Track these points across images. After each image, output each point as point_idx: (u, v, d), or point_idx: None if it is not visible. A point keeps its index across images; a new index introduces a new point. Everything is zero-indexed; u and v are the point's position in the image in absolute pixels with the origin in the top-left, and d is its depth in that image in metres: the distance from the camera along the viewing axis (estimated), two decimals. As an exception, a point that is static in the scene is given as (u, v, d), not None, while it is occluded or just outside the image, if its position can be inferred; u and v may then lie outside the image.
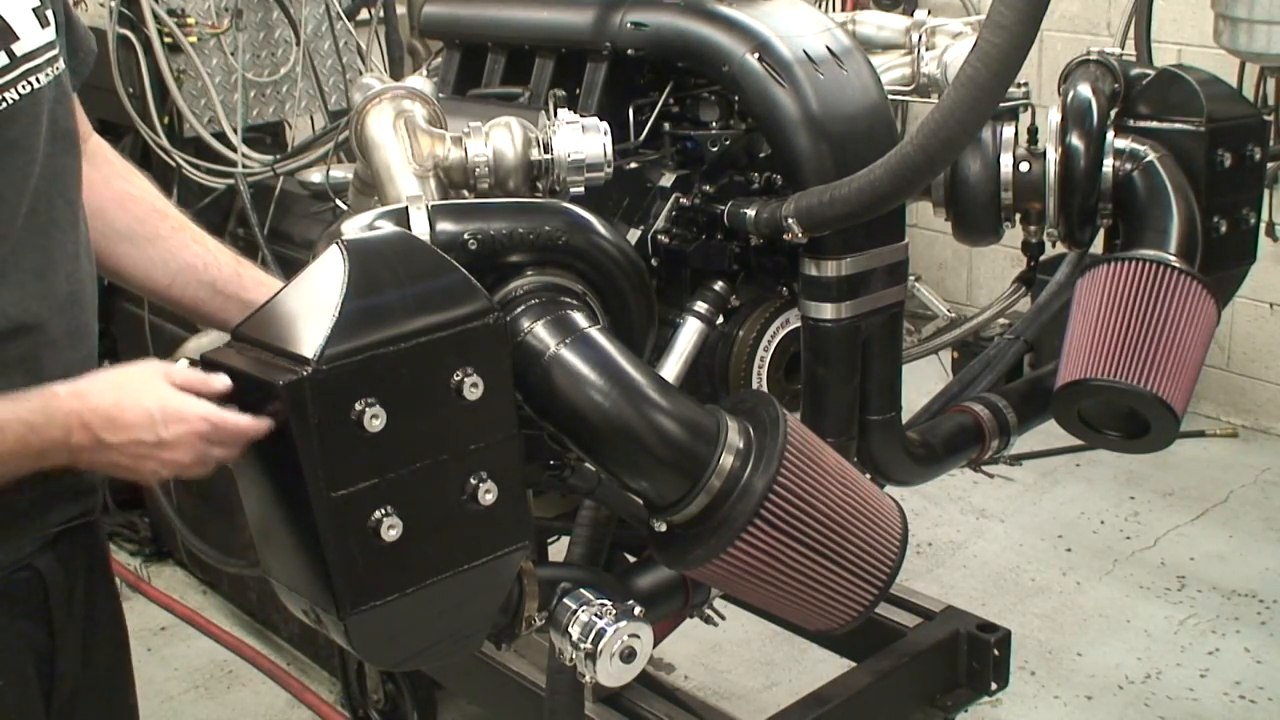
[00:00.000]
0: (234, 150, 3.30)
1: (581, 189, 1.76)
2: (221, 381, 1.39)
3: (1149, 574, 3.71)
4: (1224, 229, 2.18)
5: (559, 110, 1.80)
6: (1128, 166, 2.14)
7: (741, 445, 1.59)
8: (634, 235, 1.99)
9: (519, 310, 1.60)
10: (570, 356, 1.56)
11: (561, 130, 1.75)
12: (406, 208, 1.59)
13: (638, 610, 1.61)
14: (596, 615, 1.60)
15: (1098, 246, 2.28)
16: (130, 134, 3.39)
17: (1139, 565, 3.75)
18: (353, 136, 1.82)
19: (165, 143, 3.31)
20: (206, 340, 1.62)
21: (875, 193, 1.69)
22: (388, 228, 1.56)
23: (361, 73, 3.52)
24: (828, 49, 1.91)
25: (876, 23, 2.54)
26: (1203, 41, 3.91)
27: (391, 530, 1.33)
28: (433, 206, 1.61)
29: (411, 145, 1.76)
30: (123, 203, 1.64)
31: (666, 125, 2.06)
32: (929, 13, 2.55)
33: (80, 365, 1.48)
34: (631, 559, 2.05)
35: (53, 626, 1.55)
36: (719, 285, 2.00)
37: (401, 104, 1.80)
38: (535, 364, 1.55)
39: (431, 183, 1.74)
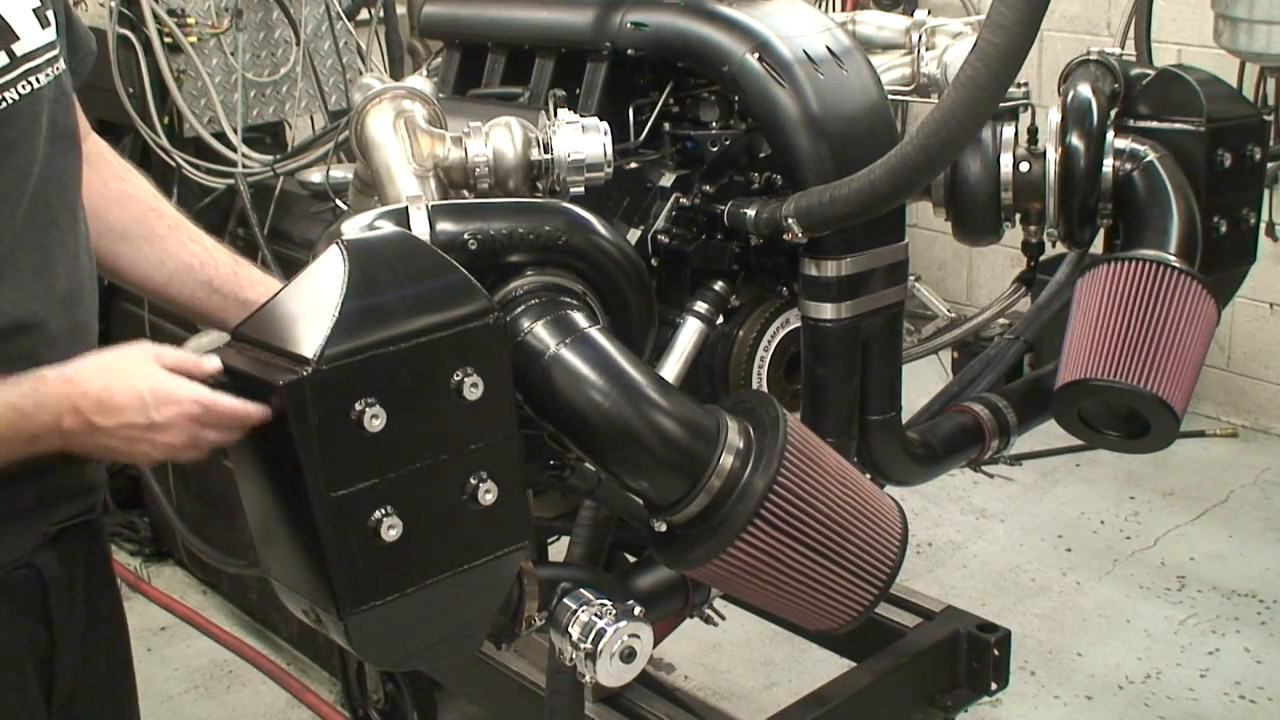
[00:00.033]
0: (234, 150, 3.30)
1: (581, 189, 1.76)
2: (212, 363, 1.39)
3: (1149, 574, 3.71)
4: (1224, 229, 2.18)
5: (559, 110, 1.80)
6: (1128, 166, 2.14)
7: (741, 445, 1.59)
8: (634, 235, 1.99)
9: (519, 310, 1.60)
10: (570, 356, 1.56)
11: (561, 130, 1.75)
12: (406, 208, 1.59)
13: (638, 610, 1.61)
14: (596, 615, 1.60)
15: (1098, 246, 2.28)
16: (130, 134, 3.40)
17: (1139, 565, 3.75)
18: (353, 136, 1.82)
19: (165, 143, 3.31)
20: (207, 340, 1.63)
21: (875, 193, 1.69)
22: (388, 228, 1.56)
23: (361, 73, 3.52)
24: (828, 49, 1.91)
25: (876, 23, 2.54)
26: (1203, 41, 3.91)
27: (391, 530, 1.33)
28: (433, 206, 1.61)
29: (411, 145, 1.76)
30: (120, 202, 1.64)
31: (666, 125, 2.06)
32: (929, 13, 2.55)
33: None
34: (631, 559, 2.05)
35: (52, 624, 1.55)
36: (719, 285, 2.00)
37: (401, 104, 1.80)
38: (535, 364, 1.55)
39: (431, 183, 1.74)
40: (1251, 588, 3.62)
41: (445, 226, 1.59)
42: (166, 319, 3.27)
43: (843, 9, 4.75)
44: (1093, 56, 2.22)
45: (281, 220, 3.24)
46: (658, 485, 1.60)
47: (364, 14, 3.60)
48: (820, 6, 4.26)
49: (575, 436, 1.59)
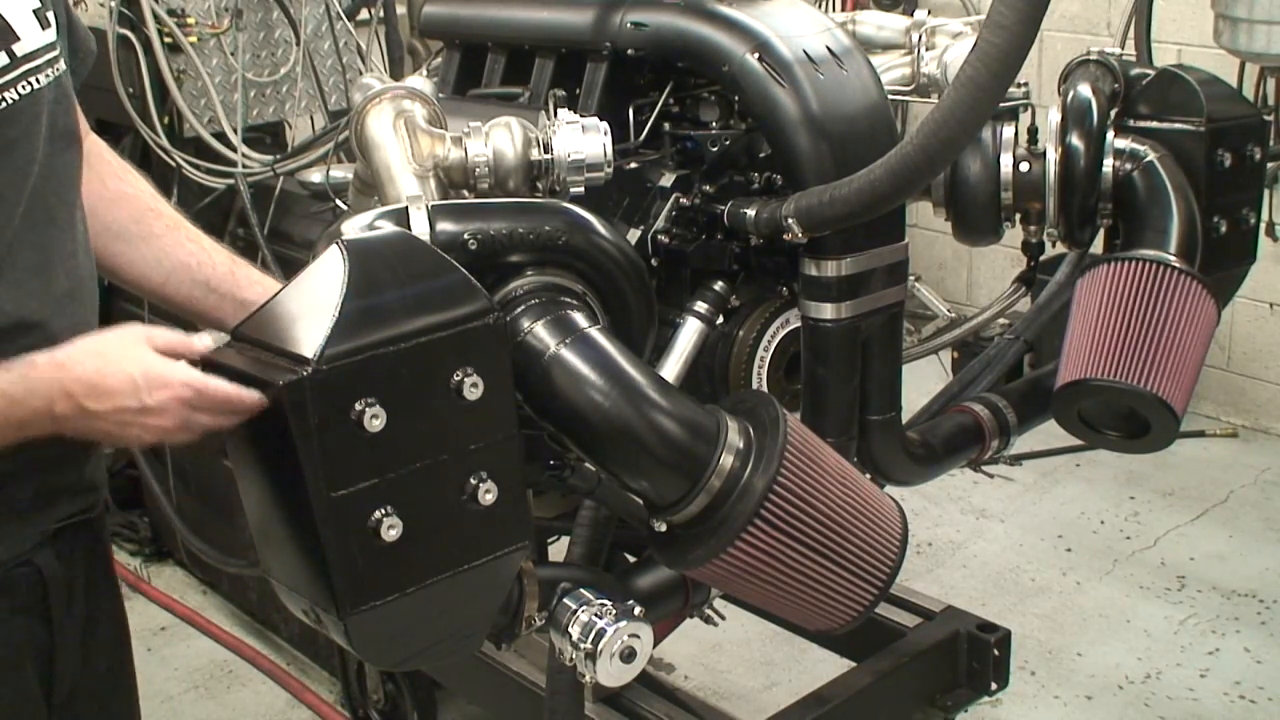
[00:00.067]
0: (234, 150, 3.30)
1: (581, 189, 1.75)
2: (203, 342, 1.38)
3: (1149, 574, 3.71)
4: (1224, 229, 2.18)
5: (559, 110, 1.79)
6: (1128, 166, 2.14)
7: (741, 445, 1.59)
8: (634, 235, 1.99)
9: (519, 310, 1.60)
10: (570, 356, 1.56)
11: (561, 130, 1.75)
12: (406, 208, 1.59)
13: (638, 610, 1.61)
14: (596, 615, 1.60)
15: (1098, 246, 2.28)
16: (130, 134, 3.40)
17: (1139, 565, 3.75)
18: (353, 136, 1.82)
19: (165, 143, 3.31)
20: (206, 340, 1.62)
21: (875, 193, 1.69)
22: (388, 228, 1.56)
23: (361, 73, 3.52)
24: (828, 49, 1.91)
25: (876, 23, 2.54)
26: (1203, 41, 3.91)
27: (391, 530, 1.33)
28: (433, 206, 1.60)
29: (411, 145, 1.76)
30: (118, 201, 1.65)
31: (666, 125, 2.06)
32: (929, 13, 2.55)
33: None
34: (631, 559, 2.05)
35: (52, 623, 1.55)
36: (719, 285, 2.00)
37: (401, 104, 1.80)
38: (535, 364, 1.55)
39: (431, 183, 1.74)
40: (1251, 588, 3.62)
41: (445, 226, 1.59)
42: (165, 319, 3.25)
43: (843, 9, 4.75)
44: (1093, 56, 2.22)
45: (281, 220, 3.24)
46: (658, 485, 1.60)
47: (364, 14, 3.60)
48: (820, 6, 4.26)
49: (575, 436, 1.59)
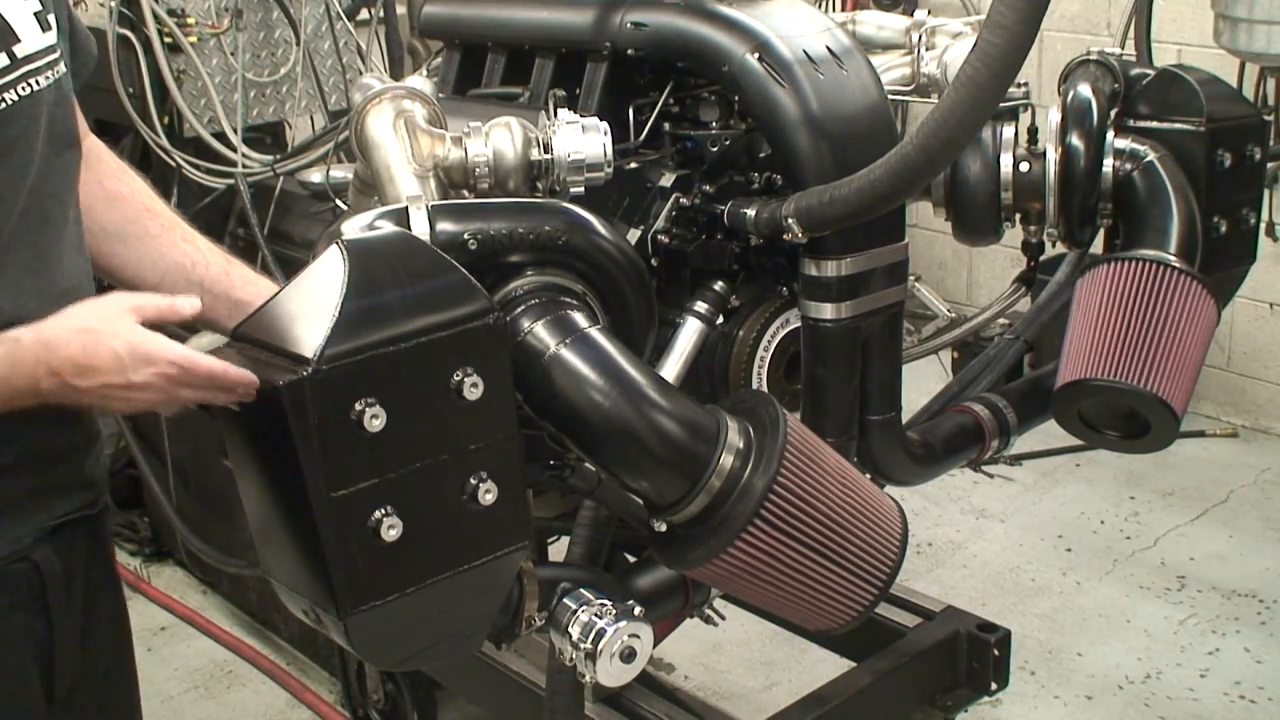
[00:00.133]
0: (234, 150, 3.30)
1: (581, 189, 1.76)
2: (192, 306, 1.38)
3: (1149, 574, 3.71)
4: (1224, 229, 2.18)
5: (559, 110, 1.80)
6: (1128, 166, 2.14)
7: (741, 445, 1.59)
8: (634, 235, 1.99)
9: (519, 310, 1.60)
10: (570, 356, 1.56)
11: (561, 130, 1.75)
12: (406, 208, 1.59)
13: (638, 610, 1.61)
14: (596, 615, 1.60)
15: (1098, 246, 2.28)
16: (130, 134, 3.40)
17: (1139, 565, 3.75)
18: (353, 136, 1.82)
19: (165, 143, 3.31)
20: (205, 341, 1.62)
21: (875, 193, 1.69)
22: (388, 228, 1.56)
23: (361, 73, 3.52)
24: (828, 49, 1.91)
25: (876, 23, 2.54)
26: (1203, 41, 3.91)
27: (391, 530, 1.33)
28: (433, 206, 1.61)
29: (411, 145, 1.76)
30: (115, 202, 1.65)
31: (666, 125, 2.06)
32: (929, 13, 2.55)
33: None
34: (631, 559, 2.05)
35: (51, 619, 1.55)
36: (719, 285, 2.00)
37: (401, 104, 1.80)
38: (535, 364, 1.55)
39: (431, 183, 1.74)
40: (1251, 588, 3.62)
41: (445, 226, 1.59)
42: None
43: (843, 9, 4.75)
44: (1093, 56, 2.22)
45: (281, 220, 3.24)
46: (658, 485, 1.60)
47: (364, 14, 3.60)
48: (820, 6, 4.26)
49: (575, 436, 1.59)
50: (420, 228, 1.57)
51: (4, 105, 1.40)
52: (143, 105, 3.29)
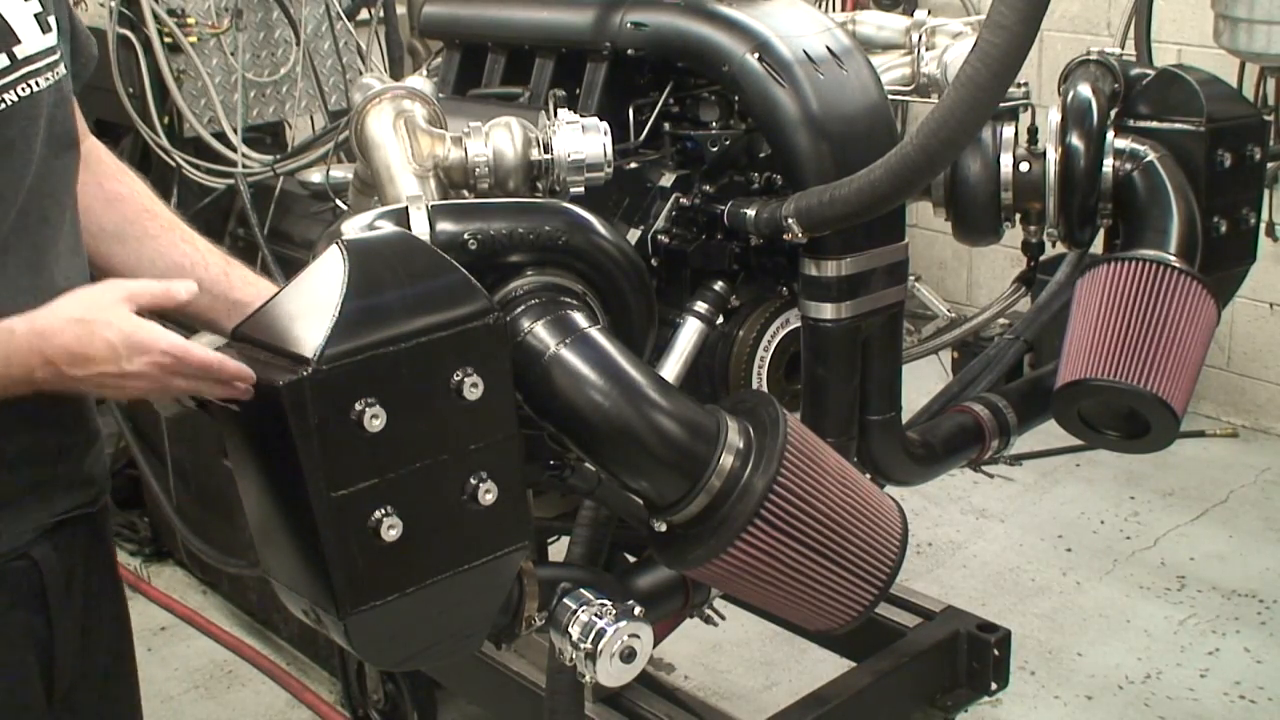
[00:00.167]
0: (234, 150, 3.30)
1: (581, 189, 1.76)
2: (189, 288, 1.38)
3: (1149, 574, 3.71)
4: (1224, 229, 2.18)
5: (559, 110, 1.80)
6: (1128, 166, 2.14)
7: (741, 445, 1.59)
8: (634, 235, 1.99)
9: (519, 310, 1.60)
10: (570, 356, 1.56)
11: (561, 130, 1.75)
12: (406, 208, 1.59)
13: (638, 610, 1.61)
14: (596, 615, 1.60)
15: (1098, 246, 2.28)
16: (130, 134, 3.40)
17: (1139, 565, 3.75)
18: (353, 136, 1.82)
19: (165, 143, 3.31)
20: (205, 341, 1.62)
21: (875, 193, 1.69)
22: (388, 228, 1.56)
23: (361, 73, 3.52)
24: (828, 49, 1.91)
25: (876, 23, 2.54)
26: (1203, 41, 3.91)
27: (391, 530, 1.33)
28: (433, 206, 1.61)
29: (411, 145, 1.76)
30: (113, 203, 1.65)
31: (666, 125, 2.06)
32: (929, 13, 2.55)
33: None
34: (631, 559, 2.05)
35: (50, 617, 1.55)
36: (719, 285, 2.00)
37: (401, 104, 1.80)
38: (535, 364, 1.55)
39: (431, 183, 1.74)
40: (1251, 588, 3.62)
41: (445, 226, 1.59)
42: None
43: (843, 9, 4.75)
44: (1093, 56, 2.22)
45: (281, 220, 3.24)
46: (658, 485, 1.60)
47: (364, 14, 3.60)
48: (820, 6, 4.26)
49: (575, 436, 1.59)
50: (420, 228, 1.57)
51: (3, 106, 1.41)
52: (143, 105, 3.29)
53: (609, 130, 1.77)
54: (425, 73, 2.36)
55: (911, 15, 2.50)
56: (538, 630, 1.66)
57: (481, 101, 2.14)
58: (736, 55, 1.88)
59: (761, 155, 2.06)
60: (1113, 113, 2.19)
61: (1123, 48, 3.45)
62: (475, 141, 1.76)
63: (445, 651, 1.50)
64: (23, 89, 1.43)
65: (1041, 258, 2.30)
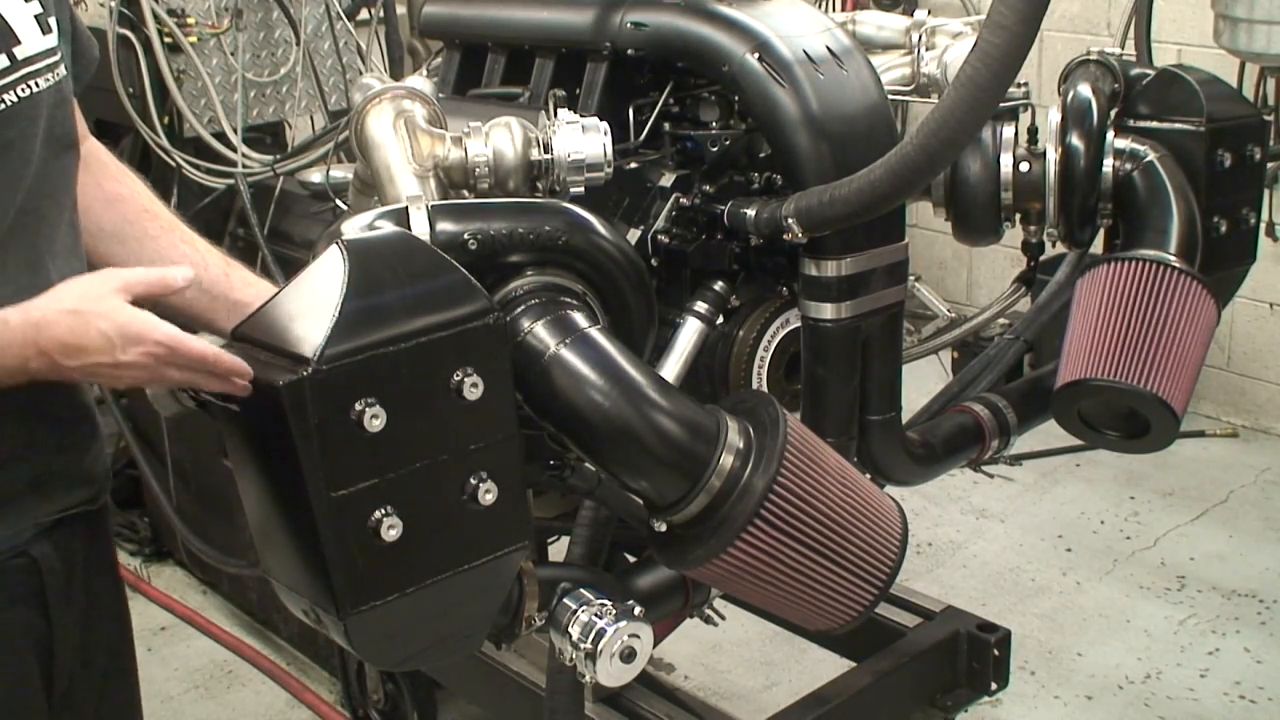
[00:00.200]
0: (234, 150, 3.30)
1: (581, 189, 1.75)
2: (185, 274, 1.39)
3: (1149, 574, 3.71)
4: (1224, 229, 2.18)
5: (559, 110, 1.80)
6: (1128, 166, 2.14)
7: (741, 445, 1.59)
8: (634, 235, 1.99)
9: (519, 310, 1.60)
10: (570, 356, 1.56)
11: (561, 130, 1.75)
12: (406, 208, 1.59)
13: (638, 610, 1.61)
14: (596, 615, 1.60)
15: (1098, 246, 2.28)
16: (130, 134, 3.40)
17: (1139, 565, 3.75)
18: (353, 136, 1.82)
19: (165, 143, 3.31)
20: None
21: (875, 193, 1.69)
22: (388, 228, 1.56)
23: (361, 73, 3.52)
24: (828, 49, 1.91)
25: (876, 23, 2.54)
26: (1203, 41, 3.91)
27: (391, 530, 1.33)
28: (433, 206, 1.61)
29: (411, 145, 1.76)
30: (113, 203, 1.65)
31: (666, 125, 2.06)
32: (929, 13, 2.55)
33: None
34: (631, 559, 2.05)
35: (50, 615, 1.55)
36: (719, 285, 2.00)
37: (401, 104, 1.80)
38: (535, 364, 1.55)
39: (431, 183, 1.74)
40: (1251, 588, 3.62)
41: (445, 226, 1.59)
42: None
43: (843, 9, 4.75)
44: (1093, 56, 2.22)
45: (281, 220, 3.24)
46: (658, 485, 1.60)
47: (364, 14, 3.60)
48: (820, 6, 4.26)
49: (575, 436, 1.59)
50: (420, 228, 1.57)
51: (3, 106, 1.41)
52: (143, 105, 3.29)
53: (609, 130, 1.77)
54: (425, 73, 2.36)
55: (911, 15, 2.50)
56: (538, 630, 1.66)
57: (481, 101, 2.14)
58: (736, 55, 1.88)
59: (761, 155, 2.06)
60: (1113, 113, 2.19)
61: (1123, 48, 3.45)
62: (475, 141, 1.76)
63: (445, 651, 1.50)
64: (22, 89, 1.43)
65: (1041, 258, 2.30)
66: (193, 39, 3.28)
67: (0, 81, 1.41)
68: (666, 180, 2.03)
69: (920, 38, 2.41)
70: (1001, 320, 2.56)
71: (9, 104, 1.42)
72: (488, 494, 1.39)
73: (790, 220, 1.81)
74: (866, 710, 2.42)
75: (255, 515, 1.43)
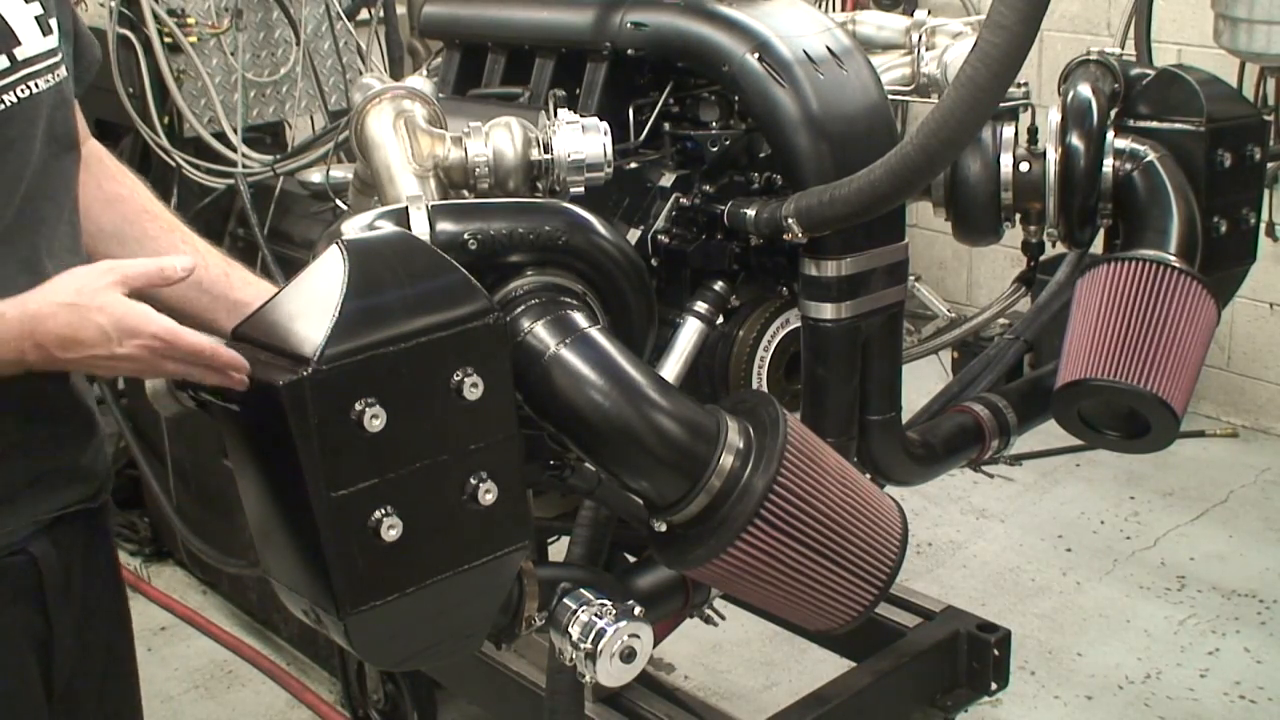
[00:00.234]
0: (234, 150, 3.30)
1: (581, 189, 1.75)
2: (184, 264, 1.39)
3: (1149, 574, 3.71)
4: (1224, 229, 2.18)
5: (559, 110, 1.79)
6: (1128, 166, 2.14)
7: (741, 445, 1.59)
8: (634, 235, 1.99)
9: (519, 310, 1.60)
10: (570, 356, 1.56)
11: (561, 130, 1.75)
12: (406, 208, 1.59)
13: (638, 610, 1.61)
14: (596, 615, 1.60)
15: (1098, 246, 2.28)
16: (130, 134, 3.40)
17: (1139, 565, 3.75)
18: (353, 136, 1.82)
19: (165, 143, 3.31)
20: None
21: (875, 193, 1.69)
22: (388, 228, 1.56)
23: (361, 73, 3.52)
24: (828, 49, 1.91)
25: (876, 23, 2.54)
26: (1203, 41, 3.91)
27: (391, 530, 1.33)
28: (433, 206, 1.61)
29: (411, 145, 1.76)
30: (113, 204, 1.66)
31: (666, 125, 2.06)
32: (929, 13, 2.55)
33: None
34: (631, 559, 2.05)
35: (49, 613, 1.55)
36: (719, 285, 2.00)
37: (401, 104, 1.80)
38: (535, 364, 1.55)
39: (431, 183, 1.74)
40: (1251, 588, 3.62)
41: (445, 226, 1.59)
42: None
43: (843, 9, 4.75)
44: (1093, 56, 2.22)
45: (281, 220, 3.24)
46: (658, 485, 1.60)
47: (364, 14, 3.60)
48: (820, 6, 4.26)
49: (575, 436, 1.59)
50: (420, 228, 1.57)
51: (3, 107, 1.41)
52: (143, 105, 3.29)
53: (609, 130, 1.77)
54: (425, 73, 2.36)
55: (911, 15, 2.50)
56: (538, 630, 1.66)
57: (481, 101, 2.14)
58: (736, 55, 1.88)
59: (761, 155, 2.06)
60: (1113, 113, 2.19)
61: (1123, 48, 3.45)
62: (475, 141, 1.76)
63: (445, 651, 1.50)
64: (22, 90, 1.43)
65: (1041, 258, 2.30)
66: (193, 39, 3.28)
67: (0, 82, 1.41)
68: (666, 180, 2.03)
69: (920, 38, 2.41)
70: (1001, 320, 2.56)
71: (9, 104, 1.42)
72: (488, 494, 1.39)
73: (790, 220, 1.81)
74: (866, 710, 2.42)
75: (255, 515, 1.43)
